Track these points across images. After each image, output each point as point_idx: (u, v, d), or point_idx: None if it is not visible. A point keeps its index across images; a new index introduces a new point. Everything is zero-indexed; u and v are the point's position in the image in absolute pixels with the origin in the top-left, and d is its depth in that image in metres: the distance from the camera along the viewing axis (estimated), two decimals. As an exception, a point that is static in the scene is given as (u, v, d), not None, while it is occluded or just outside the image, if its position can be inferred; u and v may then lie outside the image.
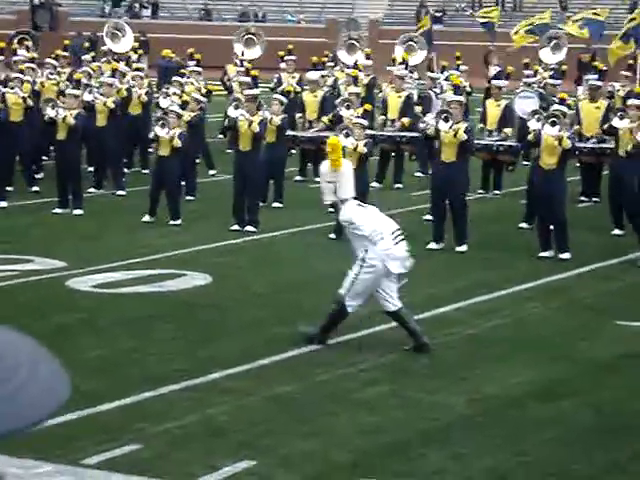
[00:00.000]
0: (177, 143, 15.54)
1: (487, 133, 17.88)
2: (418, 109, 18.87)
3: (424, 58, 22.73)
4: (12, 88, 17.97)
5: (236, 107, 16.56)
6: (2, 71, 19.67)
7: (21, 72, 18.77)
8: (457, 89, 15.75)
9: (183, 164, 16.52)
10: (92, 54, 22.60)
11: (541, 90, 19.40)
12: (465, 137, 14.12)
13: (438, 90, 19.45)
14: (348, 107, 17.68)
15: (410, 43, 22.60)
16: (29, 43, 21.76)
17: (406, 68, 20.42)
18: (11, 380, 0.83)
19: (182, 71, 20.14)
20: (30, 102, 17.86)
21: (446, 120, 14.20)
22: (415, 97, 19.51)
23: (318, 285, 12.04)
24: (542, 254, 14.08)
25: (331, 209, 10.64)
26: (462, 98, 15.31)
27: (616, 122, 15.27)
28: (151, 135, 16.04)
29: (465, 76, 20.84)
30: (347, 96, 18.18)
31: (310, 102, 19.13)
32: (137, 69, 20.19)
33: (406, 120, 18.65)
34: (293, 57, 22.19)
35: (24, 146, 17.85)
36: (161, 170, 15.73)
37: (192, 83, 19.50)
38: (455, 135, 14.12)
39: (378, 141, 18.49)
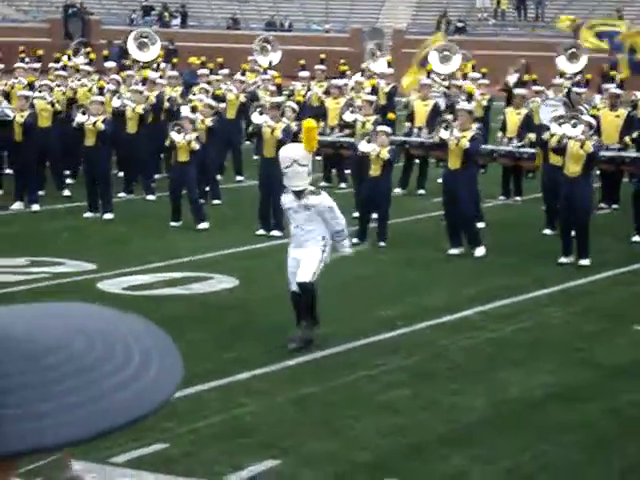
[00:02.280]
0: (195, 146, 15.78)
1: (507, 140, 18.06)
2: (450, 117, 19.10)
3: (458, 67, 22.82)
4: (40, 92, 18.31)
5: (260, 113, 16.80)
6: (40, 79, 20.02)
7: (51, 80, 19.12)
8: (469, 98, 16.05)
9: (202, 169, 16.81)
10: (114, 63, 22.80)
11: (565, 98, 19.52)
12: (467, 145, 14.33)
13: (464, 98, 19.62)
14: (352, 112, 17.95)
15: (446, 53, 22.69)
16: (86, 50, 22.13)
17: (428, 76, 20.60)
18: (124, 370, 0.83)
19: (201, 74, 20.42)
20: (59, 107, 18.14)
21: (446, 128, 14.47)
22: (443, 105, 19.70)
23: (342, 288, 12.23)
24: (562, 260, 14.20)
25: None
26: (470, 106, 15.52)
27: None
28: (167, 142, 16.25)
29: (479, 85, 20.96)
30: (359, 102, 18.40)
31: (332, 108, 19.47)
32: (170, 77, 20.48)
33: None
34: (323, 67, 22.39)
35: (54, 151, 18.15)
36: (180, 175, 15.94)
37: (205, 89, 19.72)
38: (457, 144, 14.34)
39: (409, 147, 18.71)
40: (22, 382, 0.80)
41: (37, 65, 21.27)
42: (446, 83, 21.39)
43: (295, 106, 17.22)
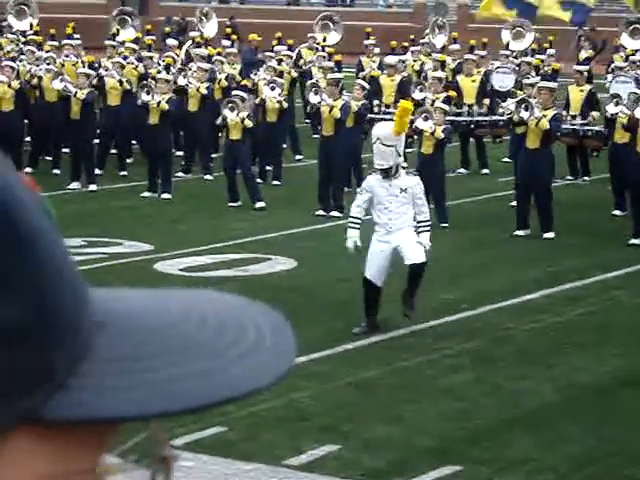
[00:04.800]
0: (248, 124, 15.61)
1: (570, 118, 17.65)
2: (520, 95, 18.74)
3: (530, 43, 22.29)
4: (106, 70, 18.26)
5: (315, 92, 16.58)
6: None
7: (125, 57, 19.07)
8: (553, 75, 15.54)
9: (267, 148, 16.68)
10: (175, 41, 22.68)
11: (638, 75, 19.03)
12: (547, 126, 14.00)
13: (534, 74, 19.22)
14: (421, 90, 17.63)
15: (518, 29, 22.15)
16: (134, 23, 21.94)
17: (479, 51, 20.26)
18: (239, 343, 0.80)
19: (267, 54, 20.22)
20: (127, 86, 18.06)
21: (526, 109, 14.09)
22: (512, 82, 19.27)
23: (401, 269, 11.98)
24: (633, 241, 13.85)
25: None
26: (553, 84, 15.09)
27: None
28: (218, 121, 16.08)
29: (553, 60, 20.55)
30: (431, 80, 18.10)
31: (387, 86, 19.20)
32: (228, 54, 20.31)
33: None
34: (372, 41, 22.11)
35: (122, 130, 18.14)
36: (233, 154, 15.79)
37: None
38: (537, 124, 14.01)
39: (467, 126, 18.35)
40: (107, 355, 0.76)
41: (79, 42, 21.10)
42: (517, 60, 20.94)
43: (365, 84, 16.94)
